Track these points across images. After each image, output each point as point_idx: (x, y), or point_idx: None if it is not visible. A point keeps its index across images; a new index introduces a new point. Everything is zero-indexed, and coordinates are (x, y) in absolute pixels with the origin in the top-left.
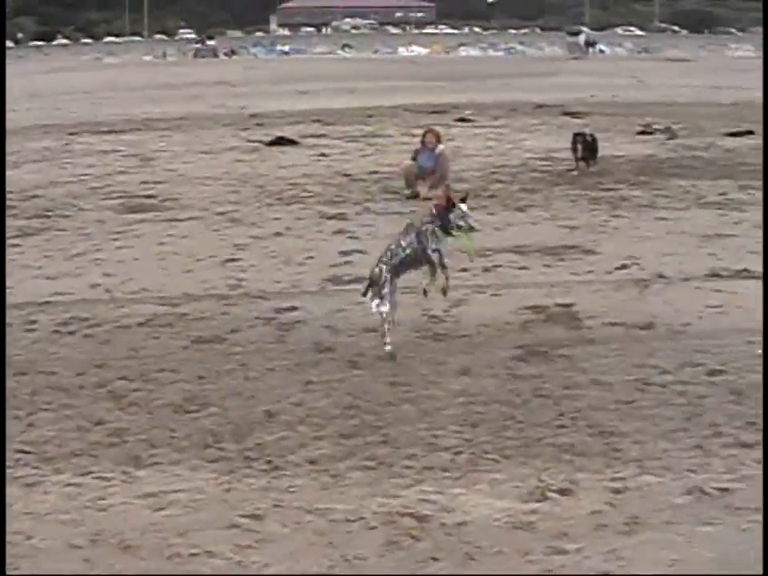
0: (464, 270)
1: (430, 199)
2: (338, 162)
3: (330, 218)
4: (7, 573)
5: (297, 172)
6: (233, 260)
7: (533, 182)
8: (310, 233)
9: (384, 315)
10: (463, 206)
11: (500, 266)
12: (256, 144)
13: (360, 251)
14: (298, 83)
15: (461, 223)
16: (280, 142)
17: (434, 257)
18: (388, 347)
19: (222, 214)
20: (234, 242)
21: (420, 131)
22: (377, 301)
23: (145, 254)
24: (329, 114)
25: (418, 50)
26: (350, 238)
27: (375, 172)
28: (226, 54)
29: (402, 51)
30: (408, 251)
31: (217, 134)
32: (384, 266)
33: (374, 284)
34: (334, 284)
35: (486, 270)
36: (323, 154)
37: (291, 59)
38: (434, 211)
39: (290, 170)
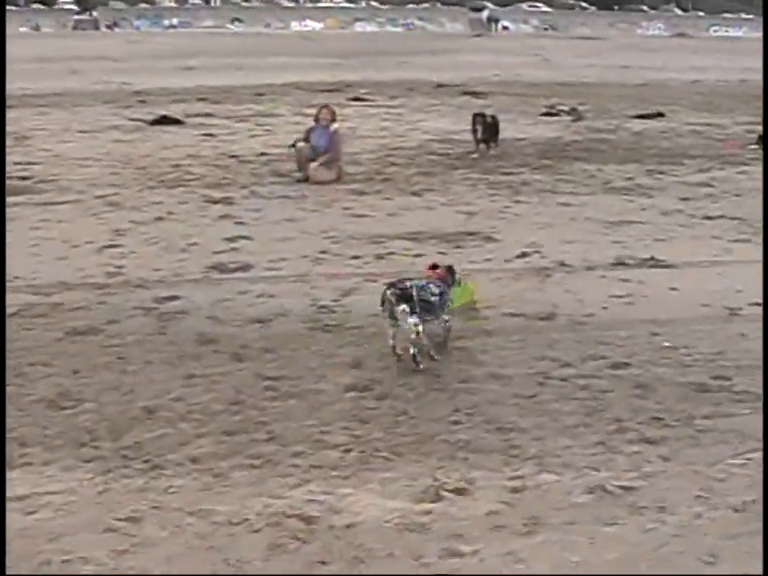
0: (355, 257)
1: (321, 182)
2: (224, 143)
3: (216, 202)
4: (7, 573)
5: (181, 153)
6: (111, 246)
7: (430, 166)
8: (193, 218)
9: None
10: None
11: (393, 253)
12: (138, 123)
13: (246, 237)
14: (184, 59)
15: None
16: (164, 121)
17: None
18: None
19: (101, 197)
20: (113, 228)
21: (313, 111)
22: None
23: (17, 240)
24: (216, 92)
25: (311, 25)
26: (237, 223)
27: (264, 154)
28: (108, 27)
29: (295, 26)
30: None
31: (97, 111)
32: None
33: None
34: (219, 272)
35: (379, 257)
36: (209, 135)
37: (177, 33)
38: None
39: (174, 151)
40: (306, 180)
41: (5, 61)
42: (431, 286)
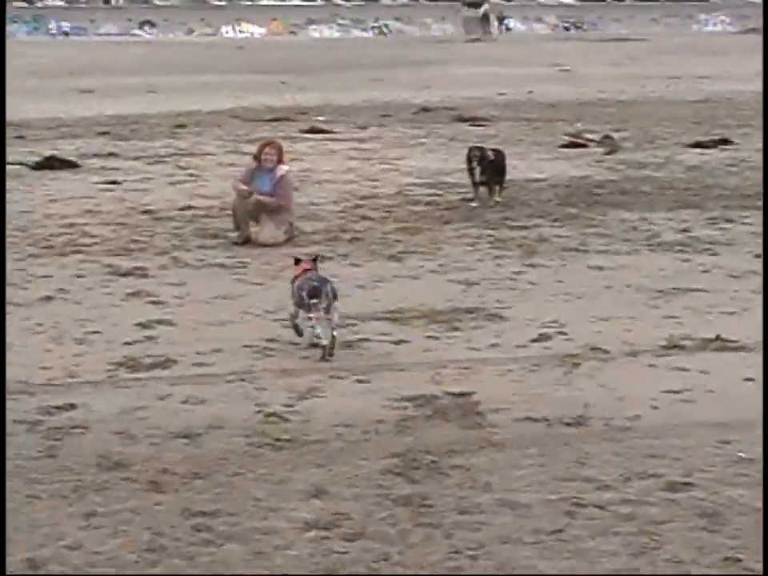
0: (313, 345)
1: (266, 245)
2: (134, 194)
3: (124, 274)
4: (7, 573)
5: (76, 208)
6: None
7: (414, 219)
8: (93, 296)
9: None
10: None
11: (367, 339)
12: (15, 167)
13: (166, 322)
14: (78, 78)
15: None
16: (51, 164)
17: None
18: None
19: None
20: None
21: (253, 148)
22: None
23: None
24: (122, 123)
25: (249, 30)
26: (152, 302)
27: (188, 207)
28: None
29: (227, 31)
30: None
31: None
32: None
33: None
34: (129, 370)
35: (348, 345)
36: (114, 182)
37: (67, 42)
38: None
39: (66, 206)
40: (245, 242)
41: (5, 64)
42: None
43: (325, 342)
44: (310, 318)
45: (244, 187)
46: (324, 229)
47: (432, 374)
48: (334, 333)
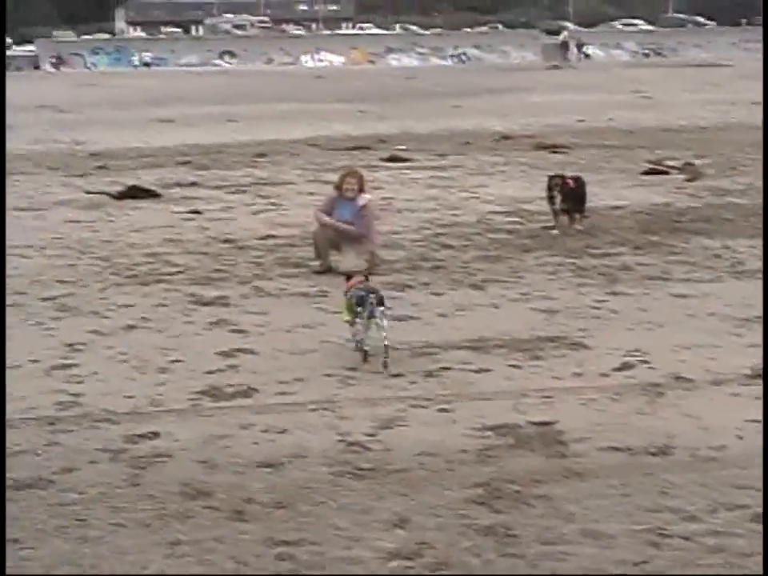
0: (397, 375)
1: (347, 274)
2: (216, 223)
3: (206, 303)
4: (7, 573)
5: (158, 237)
6: (64, 366)
7: (495, 247)
8: (176, 325)
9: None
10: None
11: (448, 368)
12: (98, 196)
13: (248, 351)
14: (159, 108)
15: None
16: (133, 193)
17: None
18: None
19: (48, 299)
20: (65, 341)
21: (334, 178)
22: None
23: None
24: (203, 152)
25: (329, 59)
26: (234, 331)
27: (269, 236)
28: (53, 65)
29: (307, 61)
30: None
31: (39, 181)
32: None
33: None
34: (211, 399)
35: (429, 374)
36: (195, 211)
37: (148, 73)
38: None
39: (148, 235)
40: (326, 271)
41: (4, 65)
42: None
43: (366, 347)
44: (353, 324)
45: (326, 218)
46: (405, 257)
47: (514, 402)
48: (386, 342)
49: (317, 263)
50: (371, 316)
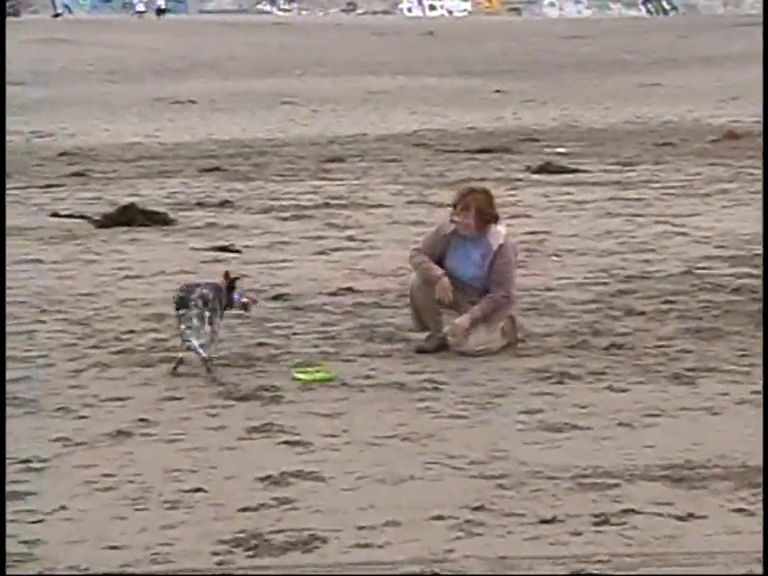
0: (552, 519)
1: (471, 354)
2: (260, 269)
3: (243, 397)
4: (7, 573)
5: (165, 289)
6: (15, 496)
7: (711, 316)
8: (194, 432)
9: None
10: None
11: (634, 511)
12: (73, 221)
13: (310, 475)
14: (172, 81)
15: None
16: (128, 218)
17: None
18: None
19: None
20: (16, 455)
21: (448, 196)
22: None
23: None
24: (241, 153)
25: (445, 5)
26: (288, 443)
27: (345, 290)
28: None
29: (409, 8)
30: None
31: None
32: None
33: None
34: (250, 554)
35: (603, 520)
36: (227, 249)
37: (156, 24)
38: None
39: (150, 285)
40: (437, 349)
41: (5, 61)
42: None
43: (204, 354)
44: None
45: (435, 269)
46: (565, 329)
47: (746, 569)
48: (203, 353)
49: (421, 335)
50: (201, 320)
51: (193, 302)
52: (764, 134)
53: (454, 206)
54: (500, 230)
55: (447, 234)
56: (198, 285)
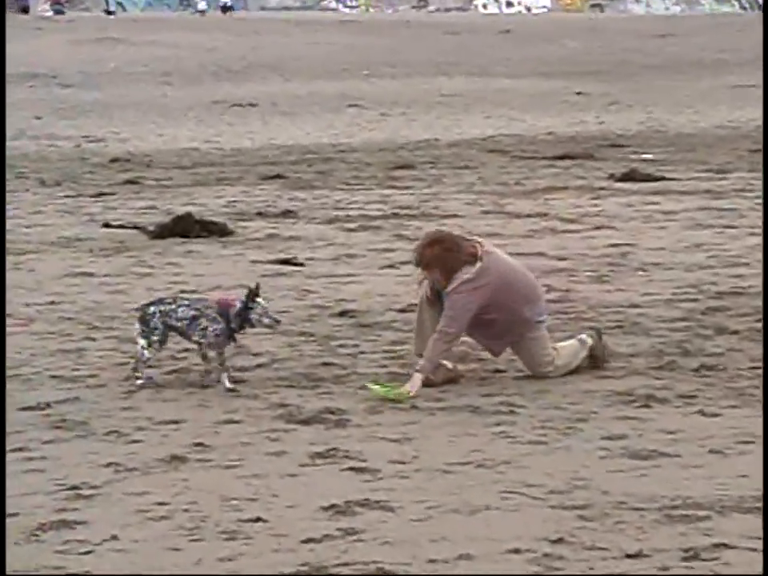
0: (637, 553)
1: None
2: (325, 282)
3: (306, 420)
4: (7, 573)
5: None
6: (61, 525)
7: None
8: (253, 457)
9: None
10: (261, 301)
11: (726, 545)
12: (124, 232)
13: (378, 505)
14: (231, 83)
15: (266, 320)
16: (184, 228)
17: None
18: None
19: (35, 409)
20: (64, 481)
21: (528, 203)
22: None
23: None
24: (305, 160)
25: (524, 2)
26: (354, 470)
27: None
28: (52, 7)
29: (486, 4)
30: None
31: (25, 205)
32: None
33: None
34: None
35: (692, 555)
36: (290, 262)
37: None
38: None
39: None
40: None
41: (5, 60)
42: (180, 309)
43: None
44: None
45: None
46: (652, 348)
47: None
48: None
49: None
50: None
51: (150, 318)
52: (764, 134)
53: (417, 265)
54: (471, 269)
55: (429, 295)
56: (159, 300)
